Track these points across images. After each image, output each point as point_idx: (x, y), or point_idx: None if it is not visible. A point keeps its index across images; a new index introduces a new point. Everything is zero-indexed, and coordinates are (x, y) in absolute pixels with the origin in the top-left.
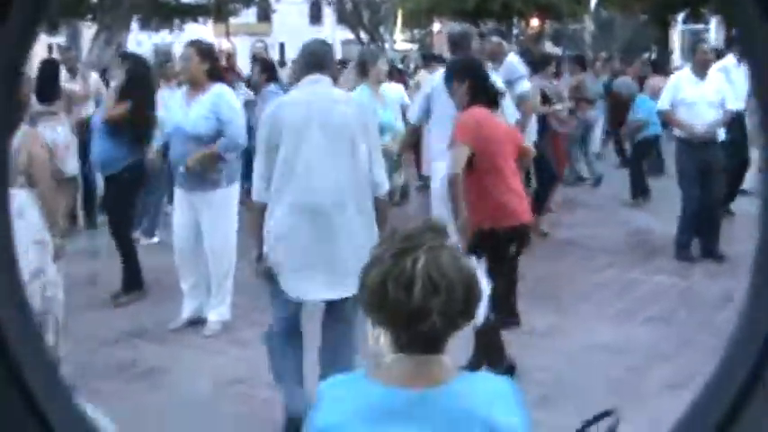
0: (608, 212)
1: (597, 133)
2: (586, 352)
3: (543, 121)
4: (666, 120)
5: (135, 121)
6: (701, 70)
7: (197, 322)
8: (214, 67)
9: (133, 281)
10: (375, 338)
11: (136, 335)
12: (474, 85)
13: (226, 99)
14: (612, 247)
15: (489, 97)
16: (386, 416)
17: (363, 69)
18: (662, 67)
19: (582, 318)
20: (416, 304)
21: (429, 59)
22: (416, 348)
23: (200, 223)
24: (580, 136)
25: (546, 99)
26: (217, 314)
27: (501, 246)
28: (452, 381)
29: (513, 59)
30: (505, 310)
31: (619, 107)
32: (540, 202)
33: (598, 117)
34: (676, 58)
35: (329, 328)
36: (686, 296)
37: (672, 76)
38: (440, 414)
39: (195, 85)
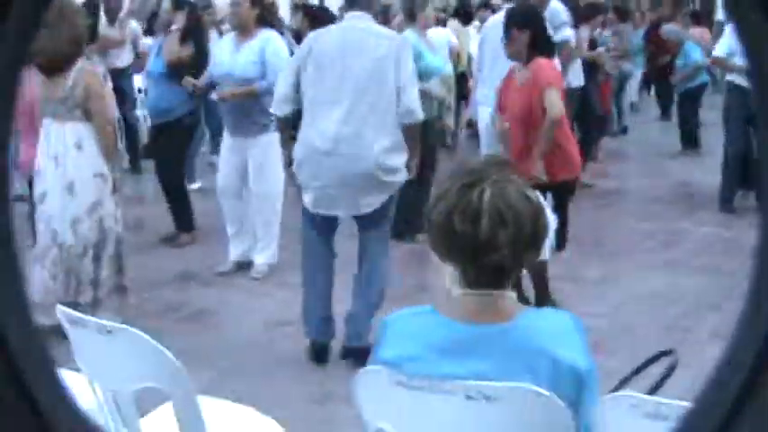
0: (651, 164)
1: (633, 85)
2: (635, 300)
3: (590, 68)
4: (722, 66)
5: (196, 65)
6: None
7: (244, 266)
8: (263, 12)
9: (186, 224)
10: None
11: (183, 278)
12: (535, 35)
13: (273, 45)
14: (656, 198)
15: (550, 47)
16: (451, 350)
17: (411, 15)
18: (704, 18)
19: (629, 267)
20: (484, 237)
21: (471, 7)
22: (483, 283)
23: (248, 167)
24: (616, 89)
25: (594, 47)
26: (264, 257)
27: (562, 195)
28: (518, 316)
29: (557, 6)
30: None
31: (660, 54)
32: (586, 149)
33: (633, 70)
34: (720, 10)
35: (362, 235)
36: (731, 247)
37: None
38: (505, 349)
39: (244, 31)
